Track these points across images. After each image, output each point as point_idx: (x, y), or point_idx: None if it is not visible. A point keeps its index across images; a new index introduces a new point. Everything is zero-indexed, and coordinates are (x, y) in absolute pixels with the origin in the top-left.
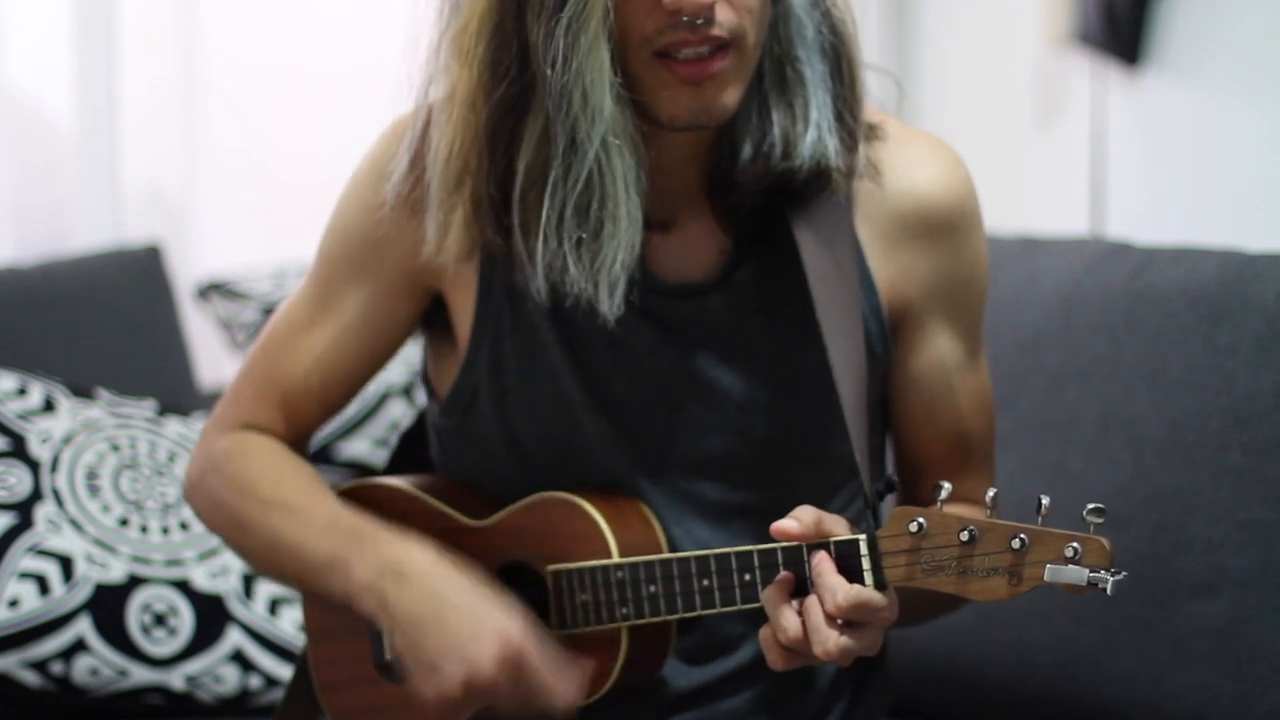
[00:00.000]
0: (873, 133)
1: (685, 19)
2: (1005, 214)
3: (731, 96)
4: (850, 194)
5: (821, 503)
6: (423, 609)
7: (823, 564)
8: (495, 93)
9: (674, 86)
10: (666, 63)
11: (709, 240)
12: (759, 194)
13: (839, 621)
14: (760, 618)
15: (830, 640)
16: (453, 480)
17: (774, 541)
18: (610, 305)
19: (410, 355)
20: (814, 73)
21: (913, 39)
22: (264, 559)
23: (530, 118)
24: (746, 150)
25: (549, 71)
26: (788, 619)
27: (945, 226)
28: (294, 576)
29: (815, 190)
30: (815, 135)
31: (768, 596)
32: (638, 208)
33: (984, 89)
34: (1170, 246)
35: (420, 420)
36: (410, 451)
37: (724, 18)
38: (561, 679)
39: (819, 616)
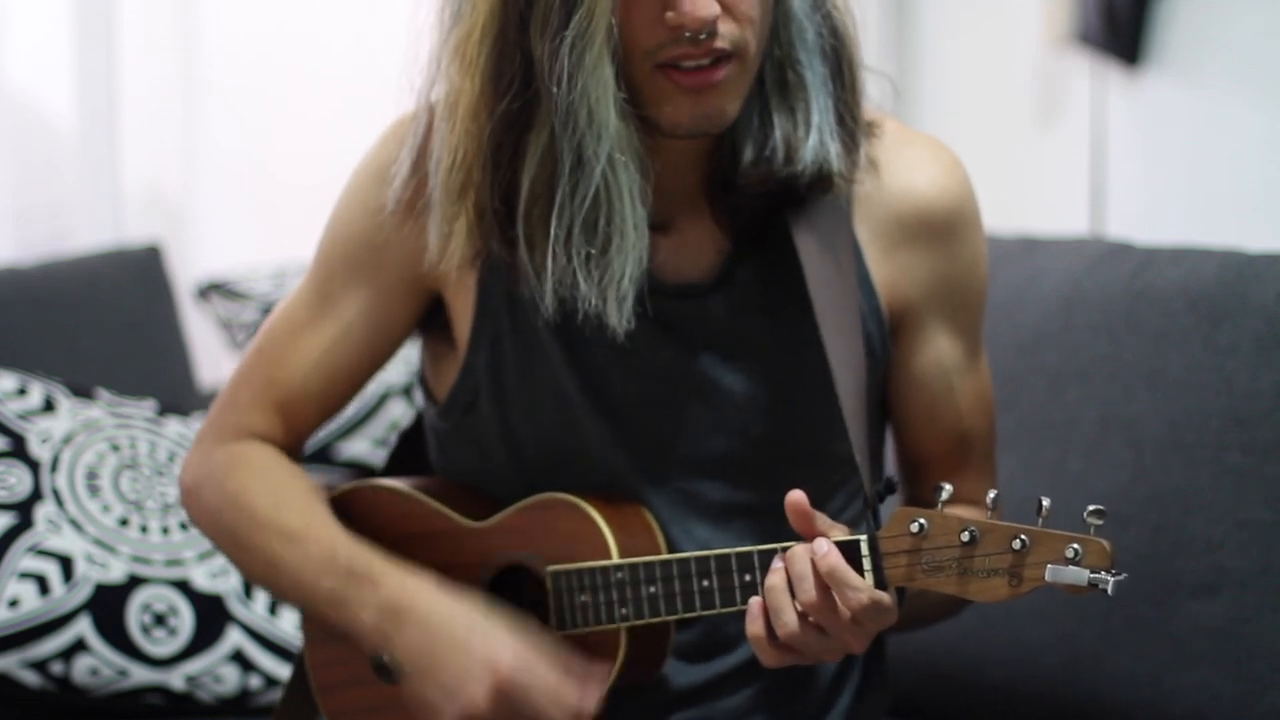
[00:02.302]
0: (871, 131)
1: (688, 34)
2: (1005, 214)
3: (733, 105)
4: (850, 195)
5: (821, 503)
6: (421, 650)
7: (838, 558)
8: (498, 107)
9: (676, 96)
10: (668, 73)
11: (708, 241)
12: (759, 196)
13: (850, 617)
14: None
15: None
16: (452, 481)
17: (775, 539)
18: (619, 319)
19: (410, 355)
20: (815, 76)
21: (913, 39)
22: (262, 579)
23: (534, 133)
24: (748, 154)
25: (555, 89)
26: (789, 614)
27: (944, 228)
28: (294, 601)
29: (816, 194)
30: (817, 139)
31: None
32: (644, 220)
33: (984, 89)
34: (1170, 246)
35: (419, 421)
36: (409, 452)
37: (726, 30)
38: (561, 699)
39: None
